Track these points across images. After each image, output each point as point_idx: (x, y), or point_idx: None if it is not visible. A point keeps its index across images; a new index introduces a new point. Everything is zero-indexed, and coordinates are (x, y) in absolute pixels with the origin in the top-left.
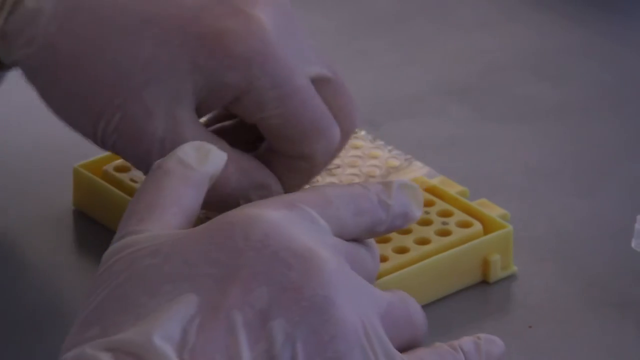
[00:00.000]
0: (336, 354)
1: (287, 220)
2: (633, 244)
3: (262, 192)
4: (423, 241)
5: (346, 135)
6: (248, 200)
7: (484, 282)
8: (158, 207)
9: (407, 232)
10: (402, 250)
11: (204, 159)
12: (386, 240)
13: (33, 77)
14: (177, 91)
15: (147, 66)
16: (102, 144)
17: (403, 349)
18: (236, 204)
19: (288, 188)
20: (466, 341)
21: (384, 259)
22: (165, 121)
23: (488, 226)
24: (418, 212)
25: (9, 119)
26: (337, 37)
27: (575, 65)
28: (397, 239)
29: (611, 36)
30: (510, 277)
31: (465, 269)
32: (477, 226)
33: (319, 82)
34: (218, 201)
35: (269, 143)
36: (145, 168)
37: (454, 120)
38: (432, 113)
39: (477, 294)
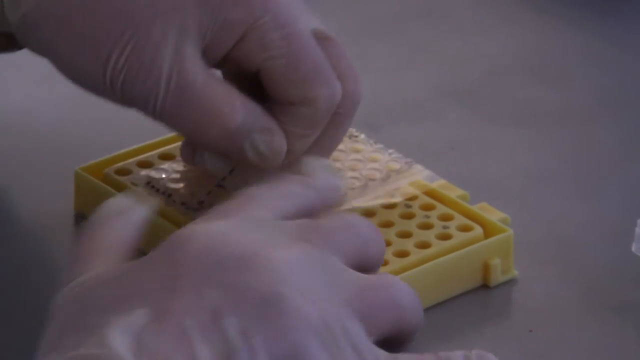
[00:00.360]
0: (296, 343)
1: (224, 229)
2: (633, 248)
3: (267, 137)
4: (423, 245)
5: (351, 98)
6: (253, 144)
7: (485, 286)
8: (99, 251)
9: (408, 235)
10: (402, 254)
11: (136, 204)
12: (387, 244)
13: (40, 28)
14: (183, 26)
15: (155, 1)
16: (111, 84)
17: (387, 332)
18: (240, 150)
19: (291, 139)
20: (456, 354)
21: (384, 262)
22: (172, 54)
23: (488, 230)
24: (340, 180)
25: (10, 121)
26: None
27: (574, 68)
28: (397, 242)
29: (610, 39)
30: (511, 281)
31: (466, 272)
32: (478, 230)
33: (319, 40)
34: (224, 137)
35: (271, 94)
36: (152, 104)
37: (454, 123)
38: (432, 117)
39: (477, 298)
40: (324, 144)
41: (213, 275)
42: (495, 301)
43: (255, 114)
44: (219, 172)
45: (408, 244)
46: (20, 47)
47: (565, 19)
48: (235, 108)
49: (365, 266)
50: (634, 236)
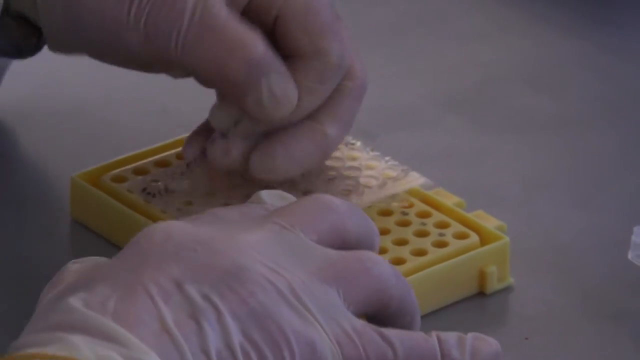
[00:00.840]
0: (261, 305)
1: (188, 224)
2: (629, 256)
3: (281, 80)
4: (420, 252)
5: (359, 77)
6: (269, 83)
7: (481, 294)
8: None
9: (404, 243)
10: (398, 262)
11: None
12: (383, 252)
13: None
14: None
15: None
16: (134, 21)
17: (369, 305)
18: (255, 88)
19: (300, 92)
20: (449, 334)
21: None
22: None
23: (485, 238)
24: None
25: (7, 128)
26: None
27: (571, 77)
28: (393, 250)
29: (607, 48)
30: (507, 289)
31: (462, 280)
32: (474, 238)
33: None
34: (244, 68)
35: (285, 45)
36: (175, 37)
37: (450, 131)
38: (429, 124)
39: (473, 306)
40: (342, 115)
41: (174, 256)
42: (491, 309)
43: (274, 56)
44: (224, 123)
45: (404, 252)
46: (37, 46)
47: (562, 27)
48: (257, 41)
49: (348, 246)
50: (630, 244)
